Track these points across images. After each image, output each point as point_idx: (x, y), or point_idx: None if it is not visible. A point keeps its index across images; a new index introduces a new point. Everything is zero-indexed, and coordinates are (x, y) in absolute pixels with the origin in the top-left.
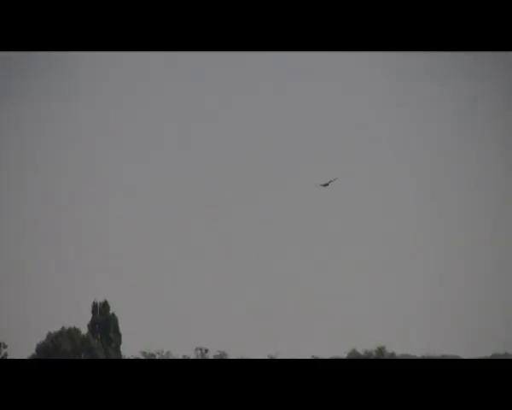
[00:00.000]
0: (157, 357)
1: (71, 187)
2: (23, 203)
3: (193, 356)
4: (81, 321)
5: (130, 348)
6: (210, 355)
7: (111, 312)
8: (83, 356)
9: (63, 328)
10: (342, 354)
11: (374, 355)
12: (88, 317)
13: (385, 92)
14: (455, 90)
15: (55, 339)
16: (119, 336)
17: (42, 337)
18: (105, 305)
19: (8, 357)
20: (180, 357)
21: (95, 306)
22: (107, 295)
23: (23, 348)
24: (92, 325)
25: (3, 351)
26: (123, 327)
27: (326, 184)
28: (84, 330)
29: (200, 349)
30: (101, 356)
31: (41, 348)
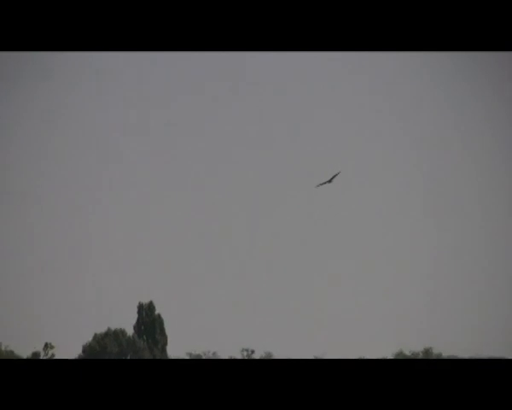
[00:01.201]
0: (203, 358)
1: (114, 186)
2: (69, 202)
3: (239, 357)
4: (127, 322)
5: (177, 349)
6: (256, 356)
7: (157, 313)
8: (129, 358)
9: (109, 329)
10: (389, 354)
11: (420, 356)
12: (134, 318)
13: (383, 92)
14: (454, 90)
15: (101, 340)
16: (165, 337)
17: (88, 338)
18: (150, 306)
19: (55, 357)
20: (226, 358)
21: (140, 307)
22: (152, 297)
23: (70, 349)
24: (138, 327)
25: (50, 352)
26: (169, 328)
27: (330, 181)
28: (130, 332)
29: (247, 350)
30: (148, 357)
31: (87, 349)
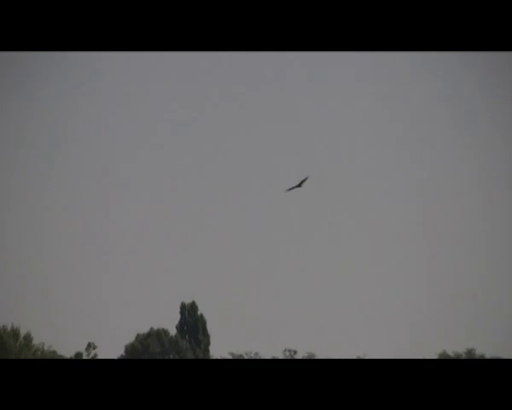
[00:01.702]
0: (245, 358)
1: (159, 185)
2: (112, 201)
3: (281, 358)
4: (169, 322)
5: (219, 350)
6: (298, 357)
7: (199, 313)
8: (171, 357)
9: (152, 329)
10: (433, 355)
11: (463, 357)
12: (176, 318)
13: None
14: (454, 90)
15: (143, 340)
16: (207, 337)
17: (131, 338)
18: (193, 306)
19: (98, 357)
20: (268, 358)
21: (183, 307)
22: (195, 296)
23: (112, 349)
24: (181, 327)
25: (93, 352)
26: (211, 328)
27: (299, 185)
28: (173, 332)
29: (289, 350)
30: (190, 358)
31: (130, 349)
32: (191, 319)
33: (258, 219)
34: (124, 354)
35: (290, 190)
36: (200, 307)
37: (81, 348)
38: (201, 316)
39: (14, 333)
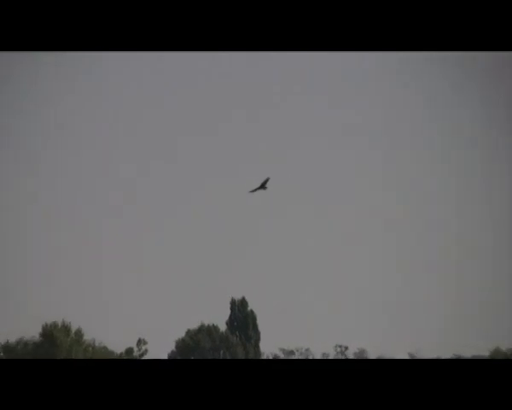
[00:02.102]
0: (296, 354)
1: (213, 184)
2: (169, 201)
3: (332, 353)
4: (220, 318)
5: (269, 346)
6: (350, 353)
7: (249, 309)
8: (222, 353)
9: (202, 325)
10: (485, 352)
11: None
12: (226, 314)
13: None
14: (454, 89)
15: (194, 336)
16: (257, 333)
17: (181, 334)
18: (243, 302)
19: (147, 353)
20: (319, 354)
21: (233, 303)
22: (245, 292)
23: (163, 345)
24: (231, 322)
25: (143, 347)
26: (261, 324)
27: (263, 187)
28: (223, 328)
29: (340, 347)
30: (241, 353)
31: (180, 344)
32: (241, 315)
33: (308, 216)
34: (174, 349)
35: (253, 191)
36: (249, 303)
37: (132, 344)
38: (251, 312)
39: (66, 329)
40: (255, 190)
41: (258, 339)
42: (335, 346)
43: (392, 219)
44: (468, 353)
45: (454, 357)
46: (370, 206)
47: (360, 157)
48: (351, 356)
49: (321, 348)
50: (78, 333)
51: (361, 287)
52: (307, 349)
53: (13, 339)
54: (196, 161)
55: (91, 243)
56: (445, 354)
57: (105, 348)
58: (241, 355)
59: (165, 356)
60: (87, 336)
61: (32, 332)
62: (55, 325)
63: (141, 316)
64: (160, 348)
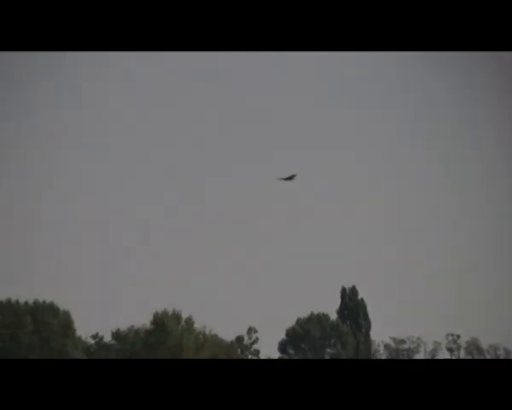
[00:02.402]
0: (407, 343)
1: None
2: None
3: (444, 342)
4: (330, 307)
5: (380, 334)
6: (462, 342)
7: (359, 297)
8: (332, 342)
9: (312, 313)
10: None
11: None
12: (337, 302)
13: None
14: (453, 90)
15: (304, 324)
16: (368, 321)
17: (291, 323)
18: (353, 290)
19: (259, 341)
20: (430, 344)
21: (343, 291)
22: (355, 281)
23: (273, 334)
24: (341, 311)
25: (254, 336)
26: (372, 313)
27: (290, 178)
28: (333, 316)
29: (452, 335)
30: (351, 342)
31: (290, 333)
32: (352, 303)
33: (419, 207)
34: (285, 337)
35: (285, 179)
36: (360, 292)
37: (242, 332)
38: (362, 300)
39: (176, 317)
40: (284, 179)
41: (368, 328)
42: (447, 335)
43: None
44: None
45: None
46: None
47: (362, 156)
48: (463, 345)
49: (432, 336)
50: (189, 321)
51: (474, 275)
52: (418, 338)
53: (124, 327)
54: None
55: (211, 236)
56: None
57: (215, 335)
58: (351, 344)
59: (275, 345)
60: (198, 324)
61: (143, 320)
62: (165, 313)
63: (251, 305)
64: (270, 337)
